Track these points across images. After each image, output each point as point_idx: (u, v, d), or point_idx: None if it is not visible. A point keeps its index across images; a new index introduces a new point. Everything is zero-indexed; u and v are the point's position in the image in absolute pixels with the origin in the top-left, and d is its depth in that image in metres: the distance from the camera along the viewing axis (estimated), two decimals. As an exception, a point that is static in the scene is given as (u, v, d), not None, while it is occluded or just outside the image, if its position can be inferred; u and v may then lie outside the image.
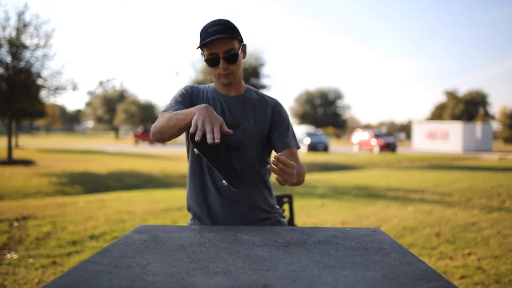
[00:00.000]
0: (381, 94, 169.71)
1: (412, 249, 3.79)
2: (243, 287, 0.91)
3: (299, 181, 1.53)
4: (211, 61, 1.55)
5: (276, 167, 1.29)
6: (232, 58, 1.54)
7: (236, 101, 1.65)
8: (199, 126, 1.27)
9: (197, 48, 1.56)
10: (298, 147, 1.69)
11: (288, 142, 1.66)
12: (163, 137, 1.48)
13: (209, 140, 1.25)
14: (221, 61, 1.53)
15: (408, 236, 4.34)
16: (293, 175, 1.33)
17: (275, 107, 1.69)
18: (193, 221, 1.72)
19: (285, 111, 1.72)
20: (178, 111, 1.45)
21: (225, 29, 1.51)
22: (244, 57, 1.64)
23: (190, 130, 1.30)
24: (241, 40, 1.59)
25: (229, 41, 1.52)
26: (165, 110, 1.55)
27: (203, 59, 1.59)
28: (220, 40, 1.50)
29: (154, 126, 1.50)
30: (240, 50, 1.57)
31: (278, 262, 1.09)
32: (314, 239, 1.34)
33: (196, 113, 1.32)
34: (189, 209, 1.73)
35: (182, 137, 1.70)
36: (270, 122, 1.67)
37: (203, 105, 1.36)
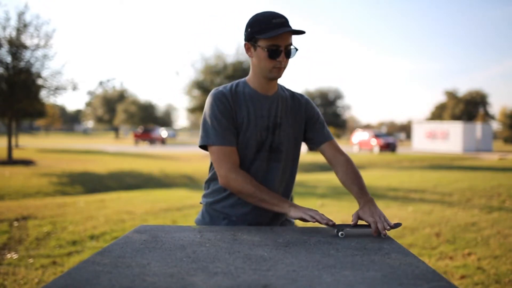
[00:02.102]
0: (381, 94, 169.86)
1: (412, 249, 3.79)
2: (243, 287, 0.91)
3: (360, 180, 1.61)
4: (272, 52, 1.50)
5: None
6: (291, 53, 1.54)
7: (273, 100, 1.62)
8: (317, 218, 1.40)
9: (265, 37, 1.49)
10: (333, 138, 1.73)
11: (326, 135, 1.70)
12: (239, 196, 1.57)
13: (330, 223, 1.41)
14: (282, 54, 1.51)
15: (408, 236, 4.34)
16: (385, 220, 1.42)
17: (308, 104, 1.71)
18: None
19: (316, 106, 1.75)
20: (263, 193, 1.50)
21: (288, 23, 1.52)
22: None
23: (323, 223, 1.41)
24: None
25: (290, 36, 1.53)
26: (213, 131, 1.52)
27: (260, 48, 1.51)
28: (287, 33, 1.50)
29: (235, 184, 1.51)
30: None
31: (278, 262, 1.09)
32: (314, 239, 1.34)
33: (292, 211, 1.46)
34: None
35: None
36: (305, 120, 1.69)
37: (289, 204, 1.48)
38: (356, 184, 1.57)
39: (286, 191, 1.70)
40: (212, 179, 1.66)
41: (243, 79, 1.65)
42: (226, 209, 1.63)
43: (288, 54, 1.53)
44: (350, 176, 1.60)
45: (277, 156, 1.62)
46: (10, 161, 12.36)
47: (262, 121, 1.59)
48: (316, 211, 1.43)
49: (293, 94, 1.70)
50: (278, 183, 1.63)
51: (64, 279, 0.96)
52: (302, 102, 1.69)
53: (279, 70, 1.54)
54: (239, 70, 15.29)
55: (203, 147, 1.57)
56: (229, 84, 1.63)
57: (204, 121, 1.55)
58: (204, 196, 1.71)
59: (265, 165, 1.61)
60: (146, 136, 33.12)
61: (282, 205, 1.48)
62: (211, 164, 1.65)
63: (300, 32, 1.51)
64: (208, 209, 1.69)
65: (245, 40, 1.56)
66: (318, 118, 1.71)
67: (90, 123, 66.40)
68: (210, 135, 1.52)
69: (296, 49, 1.55)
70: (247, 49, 1.57)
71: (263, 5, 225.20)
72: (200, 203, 1.74)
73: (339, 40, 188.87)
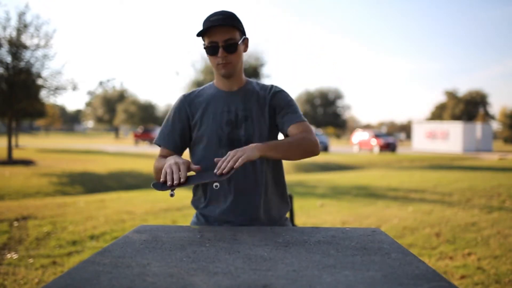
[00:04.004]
0: (381, 94, 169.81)
1: (412, 249, 3.79)
2: (243, 287, 0.91)
3: (295, 152, 1.51)
4: (210, 49, 1.53)
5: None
6: (231, 47, 1.52)
7: (238, 95, 1.63)
8: (168, 176, 1.36)
9: (198, 35, 1.54)
10: (304, 120, 1.62)
11: (294, 118, 1.60)
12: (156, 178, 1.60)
13: (168, 183, 1.33)
14: (220, 49, 1.52)
15: (408, 236, 4.34)
16: (230, 161, 1.34)
17: (276, 93, 1.65)
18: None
19: (283, 91, 1.67)
20: (158, 161, 1.59)
21: (226, 18, 1.51)
22: (245, 50, 1.62)
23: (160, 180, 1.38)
24: (242, 33, 1.57)
25: (229, 30, 1.52)
26: (161, 132, 1.68)
27: (203, 47, 1.58)
28: (220, 28, 1.50)
29: (153, 171, 1.62)
30: (241, 41, 1.56)
31: (278, 262, 1.09)
32: (314, 239, 1.34)
33: (165, 165, 1.41)
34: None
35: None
36: (274, 108, 1.63)
37: (171, 158, 1.45)
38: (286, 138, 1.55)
39: (273, 180, 1.66)
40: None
41: (211, 82, 1.72)
42: (204, 210, 1.67)
43: (228, 49, 1.52)
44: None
45: None
46: (10, 161, 12.36)
47: (223, 117, 1.60)
48: (178, 166, 1.37)
49: (264, 87, 1.68)
50: (256, 175, 1.60)
51: (64, 279, 0.96)
52: (270, 92, 1.65)
53: (225, 66, 1.55)
54: (239, 70, 15.29)
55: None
56: (196, 88, 1.73)
57: None
58: (192, 200, 1.77)
59: None
60: (146, 136, 33.10)
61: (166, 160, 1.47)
62: None
63: (236, 25, 1.52)
64: (197, 213, 1.74)
65: None
66: (288, 104, 1.63)
67: (90, 123, 66.43)
68: (157, 135, 1.69)
69: (237, 42, 1.52)
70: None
71: (263, 5, 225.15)
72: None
73: (339, 40, 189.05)
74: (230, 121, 1.60)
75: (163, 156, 1.63)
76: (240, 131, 1.59)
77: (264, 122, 1.62)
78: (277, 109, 1.63)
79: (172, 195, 1.32)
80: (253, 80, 1.73)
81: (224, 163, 1.34)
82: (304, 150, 1.53)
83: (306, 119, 1.63)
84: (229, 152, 1.38)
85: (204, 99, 1.65)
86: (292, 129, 1.58)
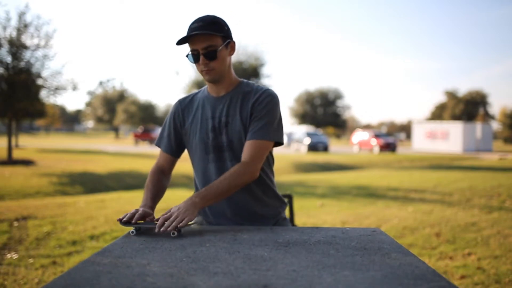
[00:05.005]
0: (381, 94, 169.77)
1: (412, 249, 3.79)
2: (243, 287, 0.91)
3: (224, 190, 1.50)
4: (192, 57, 1.56)
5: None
6: (211, 54, 1.53)
7: (223, 100, 1.64)
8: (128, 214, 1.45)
9: (177, 44, 1.54)
10: (262, 139, 1.54)
11: (253, 134, 1.55)
12: None
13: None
14: (201, 57, 1.54)
15: (408, 236, 4.34)
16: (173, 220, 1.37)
17: (257, 96, 1.59)
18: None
19: (269, 98, 1.59)
20: (145, 190, 1.69)
21: (205, 25, 1.51)
22: (231, 53, 1.60)
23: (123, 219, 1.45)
24: (225, 37, 1.56)
25: (209, 38, 1.52)
26: (160, 135, 1.77)
27: (186, 55, 1.60)
28: (199, 36, 1.51)
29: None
30: (223, 46, 1.54)
31: (278, 262, 1.09)
32: (314, 239, 1.34)
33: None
34: None
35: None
36: (250, 112, 1.59)
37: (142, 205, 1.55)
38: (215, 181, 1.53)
39: (261, 186, 1.66)
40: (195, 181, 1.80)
41: (206, 86, 1.73)
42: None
43: (208, 56, 1.53)
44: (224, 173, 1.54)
45: (232, 155, 1.61)
46: (10, 161, 12.36)
47: (207, 123, 1.63)
48: (135, 213, 1.46)
49: (252, 90, 1.63)
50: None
51: (64, 279, 0.96)
52: (253, 97, 1.60)
53: (208, 72, 1.56)
54: (239, 70, 15.30)
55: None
56: (192, 92, 1.77)
57: None
58: None
59: (221, 165, 1.62)
60: (146, 136, 33.11)
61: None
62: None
63: (215, 32, 1.52)
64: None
65: None
66: (262, 115, 1.56)
67: (90, 123, 66.39)
68: (158, 138, 1.78)
69: (216, 49, 1.52)
70: None
71: (263, 5, 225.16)
72: None
73: (339, 40, 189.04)
74: (214, 127, 1.62)
75: (159, 163, 1.76)
76: (222, 137, 1.61)
77: (243, 127, 1.59)
78: (253, 115, 1.58)
79: (133, 232, 1.40)
80: (252, 81, 1.72)
81: (168, 222, 1.35)
82: (238, 186, 1.53)
83: (269, 136, 1.56)
84: (171, 209, 1.41)
85: (196, 105, 1.69)
86: (245, 146, 1.56)
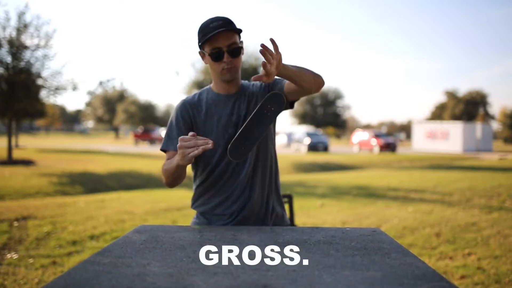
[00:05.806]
0: (381, 94, 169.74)
1: (412, 249, 3.79)
2: (243, 287, 0.91)
3: (306, 80, 1.53)
4: (215, 55, 1.54)
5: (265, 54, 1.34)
6: (236, 51, 1.55)
7: (237, 97, 1.66)
8: (191, 149, 1.34)
9: (200, 44, 1.56)
10: None
11: (284, 82, 1.65)
12: (173, 186, 1.61)
13: (200, 151, 1.33)
14: (225, 54, 1.54)
15: (408, 236, 4.34)
16: (275, 62, 1.36)
17: (263, 84, 1.71)
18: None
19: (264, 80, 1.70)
20: (167, 164, 1.56)
21: (226, 23, 1.53)
22: (243, 53, 1.64)
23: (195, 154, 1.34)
24: (240, 36, 1.60)
25: (232, 35, 1.54)
26: (168, 137, 1.65)
27: (206, 54, 1.58)
28: (224, 33, 1.51)
29: (163, 175, 1.60)
30: (242, 44, 1.59)
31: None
32: (314, 239, 1.34)
33: (177, 155, 1.40)
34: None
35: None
36: (266, 93, 1.67)
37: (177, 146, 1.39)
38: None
39: (268, 174, 1.69)
40: (197, 184, 1.75)
41: (207, 86, 1.73)
42: (216, 209, 1.68)
43: (232, 54, 1.55)
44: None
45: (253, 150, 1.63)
46: (10, 161, 12.35)
47: (227, 120, 1.63)
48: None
49: (255, 84, 1.72)
50: (246, 173, 1.64)
51: (64, 279, 0.96)
52: (258, 85, 1.70)
53: (229, 70, 1.57)
54: (239, 70, 15.31)
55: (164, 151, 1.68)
56: (194, 93, 1.73)
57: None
58: (192, 201, 1.78)
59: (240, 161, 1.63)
60: (146, 136, 33.11)
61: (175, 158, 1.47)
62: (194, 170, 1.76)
63: (237, 30, 1.54)
64: (197, 213, 1.76)
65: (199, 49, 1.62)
66: (275, 81, 1.69)
67: (90, 123, 66.39)
68: (163, 141, 1.67)
69: (240, 46, 1.56)
70: (202, 58, 1.64)
71: (263, 6, 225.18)
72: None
73: (339, 40, 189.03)
74: (233, 123, 1.63)
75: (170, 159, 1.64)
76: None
77: None
78: (270, 89, 1.68)
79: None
80: (245, 81, 1.75)
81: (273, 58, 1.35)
82: (313, 79, 1.57)
83: None
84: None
85: (205, 104, 1.66)
86: (287, 84, 1.63)
